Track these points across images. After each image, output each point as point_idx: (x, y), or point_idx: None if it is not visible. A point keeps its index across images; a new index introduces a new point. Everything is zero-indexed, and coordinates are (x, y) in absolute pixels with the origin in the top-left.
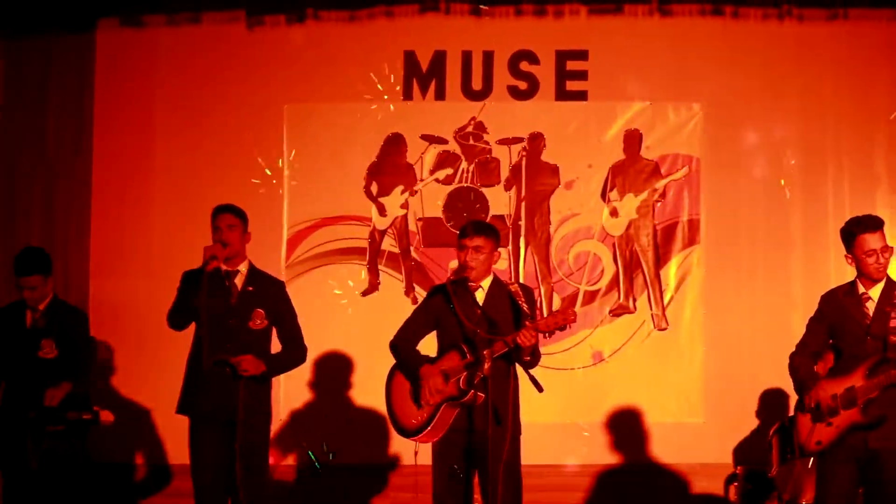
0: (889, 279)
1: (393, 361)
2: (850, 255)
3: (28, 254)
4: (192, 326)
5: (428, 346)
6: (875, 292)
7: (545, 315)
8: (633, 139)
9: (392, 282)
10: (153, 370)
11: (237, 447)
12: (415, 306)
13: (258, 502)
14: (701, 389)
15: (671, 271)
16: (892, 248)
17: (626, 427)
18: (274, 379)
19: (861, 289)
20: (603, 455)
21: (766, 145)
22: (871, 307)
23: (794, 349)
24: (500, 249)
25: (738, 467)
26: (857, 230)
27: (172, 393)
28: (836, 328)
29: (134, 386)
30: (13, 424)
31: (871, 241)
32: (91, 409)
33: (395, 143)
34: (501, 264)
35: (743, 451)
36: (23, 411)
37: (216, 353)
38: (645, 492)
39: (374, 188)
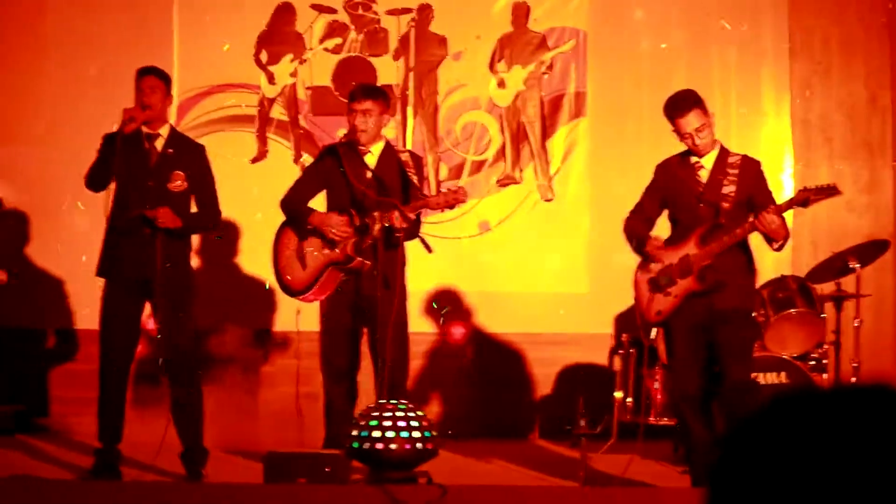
0: (722, 147)
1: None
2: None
3: None
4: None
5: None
6: (708, 161)
7: (435, 187)
8: (520, 11)
9: (281, 150)
10: (63, 239)
11: (156, 302)
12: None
13: (187, 363)
14: (585, 260)
15: (557, 143)
16: (709, 121)
17: (510, 296)
18: None
19: (693, 158)
20: (488, 322)
21: (652, 21)
22: (704, 175)
23: (627, 214)
24: (388, 115)
25: (624, 335)
26: (671, 114)
27: (81, 259)
28: (669, 197)
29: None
30: None
31: (683, 124)
32: None
33: (285, 12)
34: (389, 133)
35: (626, 322)
36: None
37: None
38: (528, 360)
39: (263, 56)
